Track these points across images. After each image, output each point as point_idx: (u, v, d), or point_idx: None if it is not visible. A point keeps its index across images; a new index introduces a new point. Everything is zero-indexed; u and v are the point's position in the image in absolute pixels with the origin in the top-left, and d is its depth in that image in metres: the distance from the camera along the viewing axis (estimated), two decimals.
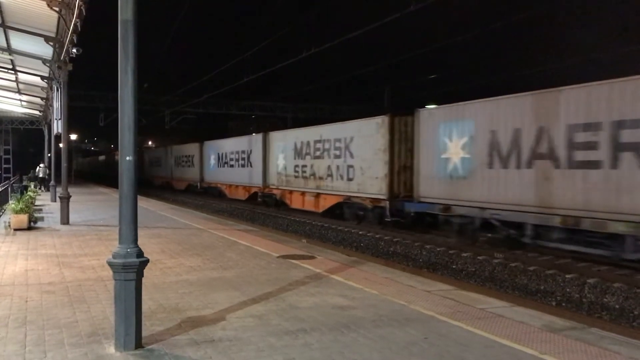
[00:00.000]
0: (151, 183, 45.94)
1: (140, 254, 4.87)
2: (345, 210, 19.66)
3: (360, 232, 17.77)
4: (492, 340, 5.25)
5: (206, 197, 34.09)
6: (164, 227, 14.54)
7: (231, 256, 9.96)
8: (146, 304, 5.93)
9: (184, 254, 10.19)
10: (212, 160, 32.56)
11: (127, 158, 4.86)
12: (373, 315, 6.09)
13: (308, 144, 21.58)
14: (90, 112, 46.60)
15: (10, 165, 45.68)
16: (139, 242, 4.97)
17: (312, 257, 9.90)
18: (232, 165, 29.44)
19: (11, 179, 34.61)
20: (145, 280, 5.23)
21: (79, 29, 12.97)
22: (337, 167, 19.41)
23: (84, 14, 11.90)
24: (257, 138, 26.48)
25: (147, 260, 4.97)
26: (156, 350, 4.87)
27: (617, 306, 9.63)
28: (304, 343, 5.11)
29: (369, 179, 17.67)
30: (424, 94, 37.93)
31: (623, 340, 5.41)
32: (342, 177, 19.17)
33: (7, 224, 13.94)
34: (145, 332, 5.13)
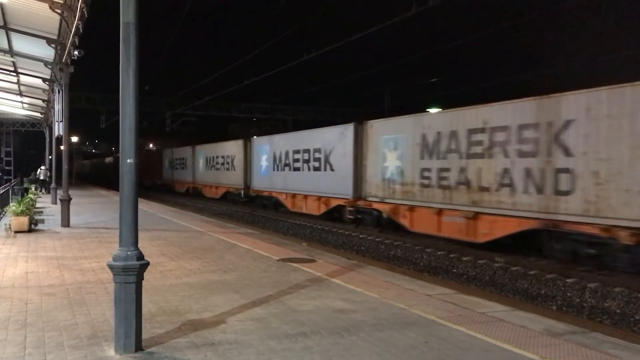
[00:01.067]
0: (171, 189, 41.71)
1: (140, 256, 4.87)
2: (548, 245, 12.29)
3: (360, 236, 17.76)
4: (493, 344, 5.24)
5: (207, 200, 34.05)
6: (164, 230, 14.54)
7: (231, 259, 9.96)
8: (146, 307, 5.92)
9: (184, 256, 10.18)
10: (264, 161, 25.90)
11: (128, 160, 4.86)
12: (373, 318, 6.08)
13: (453, 134, 14.60)
14: (91, 114, 46.69)
15: (11, 167, 45.69)
16: (139, 245, 4.97)
17: (312, 261, 9.89)
18: (296, 169, 22.69)
19: (12, 181, 34.61)
20: (145, 283, 5.22)
21: (81, 31, 12.99)
22: (527, 171, 12.40)
23: (86, 16, 11.92)
24: (344, 130, 19.77)
25: (148, 263, 4.97)
26: (156, 353, 4.86)
27: (618, 311, 9.61)
28: (304, 346, 5.11)
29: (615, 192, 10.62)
30: (423, 97, 37.98)
31: (624, 345, 5.40)
32: (538, 188, 12.16)
33: (7, 226, 13.94)
34: (145, 335, 5.12)
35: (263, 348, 5.03)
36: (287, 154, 23.80)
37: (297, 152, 22.91)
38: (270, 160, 25.39)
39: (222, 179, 31.54)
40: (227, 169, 30.69)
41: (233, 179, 29.71)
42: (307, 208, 20.07)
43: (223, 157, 31.51)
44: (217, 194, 32.22)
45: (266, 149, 25.68)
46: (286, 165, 23.84)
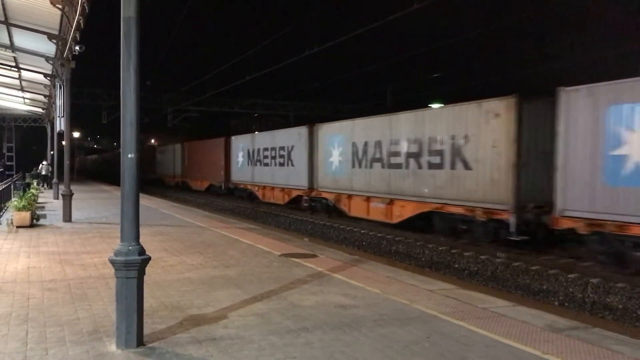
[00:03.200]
0: (189, 187, 38.45)
1: (142, 251, 4.86)
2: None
3: (362, 231, 17.77)
4: (495, 340, 5.23)
5: (208, 195, 34.08)
6: (166, 225, 14.55)
7: (233, 254, 9.96)
8: (148, 302, 5.92)
9: (186, 252, 10.18)
10: (337, 156, 20.20)
11: (129, 155, 4.85)
12: (375, 314, 6.07)
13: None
14: (93, 109, 46.64)
15: (13, 163, 45.72)
16: (141, 240, 4.96)
17: (314, 256, 9.89)
18: (397, 166, 17.02)
19: (14, 176, 34.65)
20: (146, 278, 5.22)
21: (82, 26, 12.96)
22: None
23: (87, 11, 11.90)
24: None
25: (149, 258, 4.97)
26: (157, 348, 4.86)
27: (620, 306, 9.60)
28: (306, 342, 5.10)
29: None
30: (425, 92, 37.91)
31: (626, 340, 5.38)
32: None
33: (9, 221, 13.95)
34: (146, 330, 5.12)
35: (265, 343, 5.03)
36: (370, 145, 20.00)
37: (394, 142, 19.64)
38: (350, 153, 21.38)
39: (277, 178, 25.43)
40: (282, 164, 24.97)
41: (287, 177, 24.22)
42: (402, 212, 17.27)
43: (274, 148, 25.96)
44: (268, 196, 26.48)
45: (342, 137, 20.32)
46: (376, 160, 20.71)
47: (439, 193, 15.30)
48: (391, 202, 17.28)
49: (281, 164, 24.50)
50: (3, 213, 17.15)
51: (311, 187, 22.08)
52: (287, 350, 4.86)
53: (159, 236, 12.25)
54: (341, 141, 20.06)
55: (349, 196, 19.44)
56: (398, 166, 17.06)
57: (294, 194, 23.39)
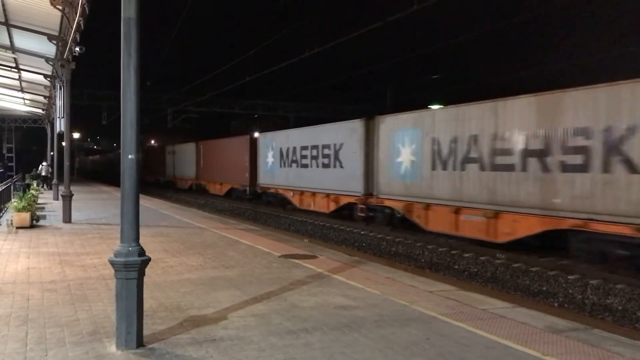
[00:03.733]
0: (205, 191, 35.00)
1: (141, 252, 4.87)
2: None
3: (362, 232, 17.76)
4: (494, 341, 5.23)
5: (207, 196, 34.02)
6: (166, 226, 14.55)
7: (233, 255, 9.96)
8: (147, 303, 5.93)
9: (186, 252, 10.18)
10: (408, 155, 16.67)
11: (129, 156, 4.85)
12: (375, 315, 6.07)
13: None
14: (93, 110, 46.72)
15: (13, 164, 45.74)
16: (141, 241, 4.96)
17: (314, 257, 9.89)
18: (507, 167, 13.22)
19: (14, 177, 34.65)
20: (146, 279, 5.22)
21: (82, 27, 12.97)
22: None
23: (87, 12, 11.91)
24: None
25: (149, 259, 4.97)
26: (157, 349, 4.86)
27: (620, 307, 9.60)
28: (306, 343, 5.10)
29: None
30: (425, 93, 37.94)
31: (626, 342, 5.38)
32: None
33: (9, 222, 13.96)
34: (146, 331, 5.12)
35: (264, 344, 5.03)
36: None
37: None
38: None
39: (321, 180, 21.31)
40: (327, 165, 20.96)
41: (339, 180, 19.96)
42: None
43: (315, 146, 21.95)
44: (306, 204, 22.49)
45: (416, 130, 16.69)
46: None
47: (581, 205, 11.33)
48: (496, 215, 13.37)
49: (325, 165, 20.59)
50: (3, 214, 17.15)
51: (368, 194, 18.19)
52: (287, 351, 4.86)
53: (158, 237, 12.25)
54: (414, 137, 16.13)
55: (427, 206, 15.54)
56: (508, 168, 12.99)
57: (343, 201, 19.50)
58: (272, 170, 25.30)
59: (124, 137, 4.86)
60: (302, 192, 22.37)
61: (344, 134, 19.53)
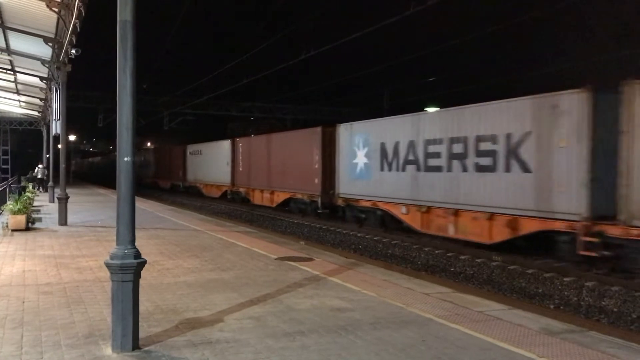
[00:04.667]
0: (246, 200, 28.35)
1: (137, 255, 4.86)
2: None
3: (358, 234, 17.77)
4: (490, 343, 5.25)
5: (204, 199, 33.91)
6: (162, 229, 14.52)
7: (229, 258, 9.95)
8: (143, 305, 5.92)
9: (182, 255, 10.17)
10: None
11: (125, 159, 4.84)
12: (371, 317, 6.08)
13: None
14: (89, 112, 46.55)
15: (9, 166, 45.59)
16: (137, 243, 4.95)
17: (310, 259, 9.89)
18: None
19: (9, 179, 34.54)
20: (142, 282, 5.22)
21: (78, 29, 12.95)
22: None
23: (83, 14, 11.89)
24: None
25: (145, 262, 4.96)
26: (153, 352, 4.85)
27: (615, 309, 9.63)
28: (302, 345, 5.10)
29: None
30: (422, 96, 37.97)
31: (621, 344, 5.41)
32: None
33: (5, 224, 13.91)
34: (142, 334, 5.11)
35: (261, 347, 5.03)
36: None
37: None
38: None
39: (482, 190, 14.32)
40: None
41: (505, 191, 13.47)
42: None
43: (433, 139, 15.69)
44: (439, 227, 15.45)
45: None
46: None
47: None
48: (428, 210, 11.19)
49: (483, 169, 13.58)
50: None
51: (596, 217, 10.95)
52: (283, 353, 4.86)
53: (154, 239, 12.22)
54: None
55: None
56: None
57: (530, 227, 12.40)
58: (364, 176, 18.32)
59: (120, 139, 4.86)
60: (428, 209, 15.40)
61: (531, 118, 12.37)
